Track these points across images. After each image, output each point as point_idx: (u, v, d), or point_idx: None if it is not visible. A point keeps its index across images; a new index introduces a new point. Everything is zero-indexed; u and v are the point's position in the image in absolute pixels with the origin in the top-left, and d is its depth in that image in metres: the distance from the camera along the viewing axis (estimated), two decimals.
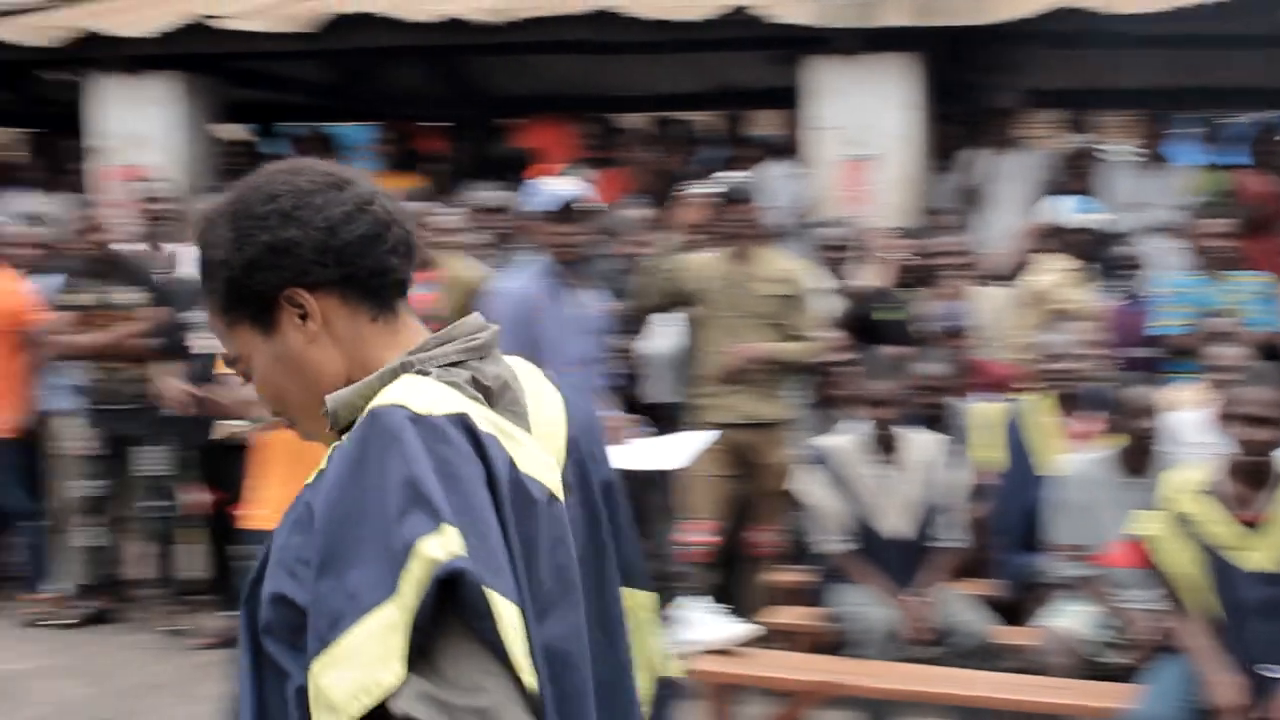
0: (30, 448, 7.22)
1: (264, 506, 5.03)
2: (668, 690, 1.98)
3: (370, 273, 1.76)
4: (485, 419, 1.64)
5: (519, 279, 5.42)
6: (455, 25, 8.25)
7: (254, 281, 1.74)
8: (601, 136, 10.18)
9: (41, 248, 7.83)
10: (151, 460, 6.94)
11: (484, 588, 1.48)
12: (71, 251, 7.40)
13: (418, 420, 1.57)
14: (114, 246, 7.11)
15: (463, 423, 1.59)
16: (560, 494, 1.72)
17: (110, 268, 7.00)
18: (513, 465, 1.63)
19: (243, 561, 6.74)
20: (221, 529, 6.86)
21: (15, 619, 7.10)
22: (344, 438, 1.63)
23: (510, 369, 1.81)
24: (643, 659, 1.92)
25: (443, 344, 1.75)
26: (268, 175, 1.79)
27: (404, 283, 1.81)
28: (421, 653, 1.46)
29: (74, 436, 7.12)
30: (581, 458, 1.85)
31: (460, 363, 1.73)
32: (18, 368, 7.15)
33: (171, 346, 6.80)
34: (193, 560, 7.28)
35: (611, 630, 1.83)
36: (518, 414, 1.75)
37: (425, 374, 1.68)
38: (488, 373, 1.74)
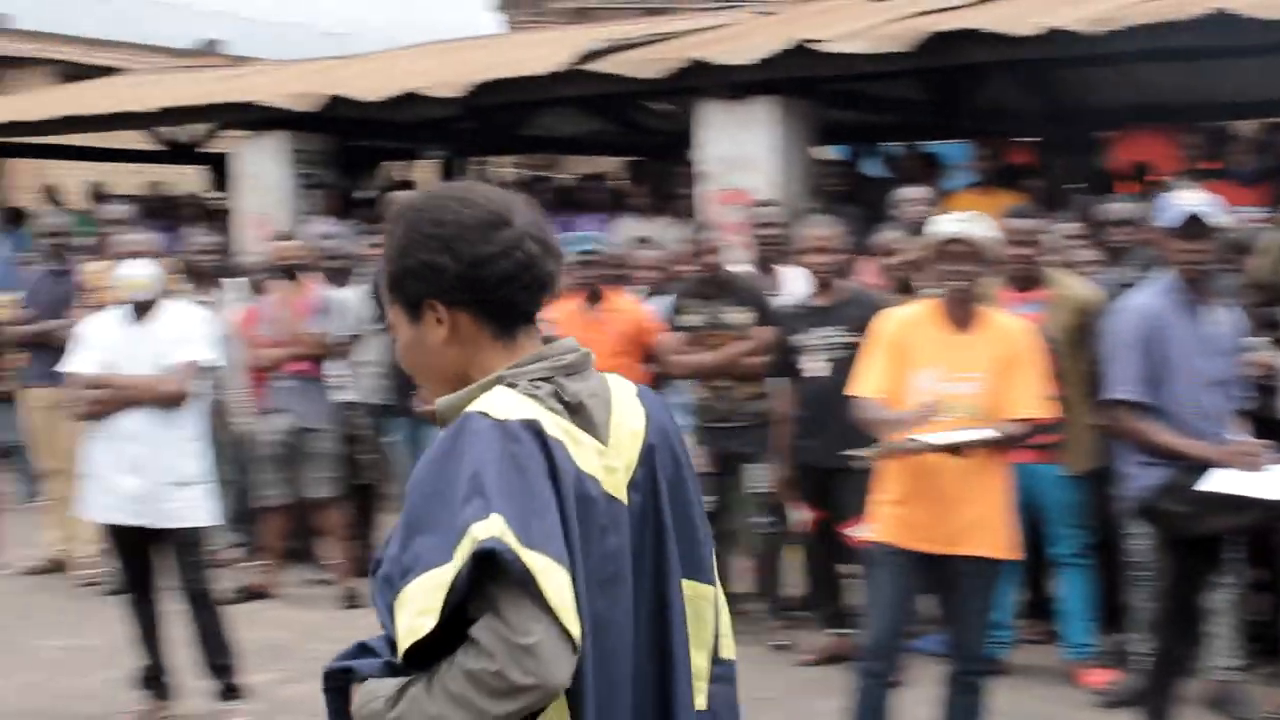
0: None
1: (881, 524, 5.03)
2: (725, 670, 2.30)
3: (500, 305, 2.14)
4: (556, 425, 2.05)
5: (1145, 296, 5.17)
6: (1057, 37, 8.03)
7: (406, 285, 2.17)
8: (1209, 146, 9.65)
9: (655, 269, 8.19)
10: (759, 477, 7.09)
11: (521, 556, 1.88)
12: (683, 273, 7.68)
13: (496, 425, 1.99)
14: (725, 268, 7.30)
15: (533, 427, 2.01)
16: (619, 494, 2.11)
17: (720, 289, 7.20)
18: (575, 465, 2.03)
19: (850, 580, 6.80)
20: (825, 547, 6.95)
21: None
22: (443, 430, 2.06)
23: (600, 385, 2.18)
24: (700, 640, 2.24)
25: (535, 362, 2.12)
26: (444, 198, 2.18)
27: (530, 314, 2.18)
28: (492, 605, 1.90)
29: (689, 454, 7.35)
30: (654, 463, 2.19)
31: (549, 378, 2.10)
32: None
33: (781, 367, 6.93)
34: (793, 577, 7.38)
35: (667, 610, 2.16)
36: (594, 424, 2.12)
37: (514, 386, 2.08)
38: (569, 389, 2.11)
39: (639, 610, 2.13)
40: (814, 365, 6.71)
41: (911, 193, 8.14)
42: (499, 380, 2.10)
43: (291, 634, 7.44)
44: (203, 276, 8.79)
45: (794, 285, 7.50)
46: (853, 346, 5.86)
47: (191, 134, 16.43)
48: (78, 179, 17.15)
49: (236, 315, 8.44)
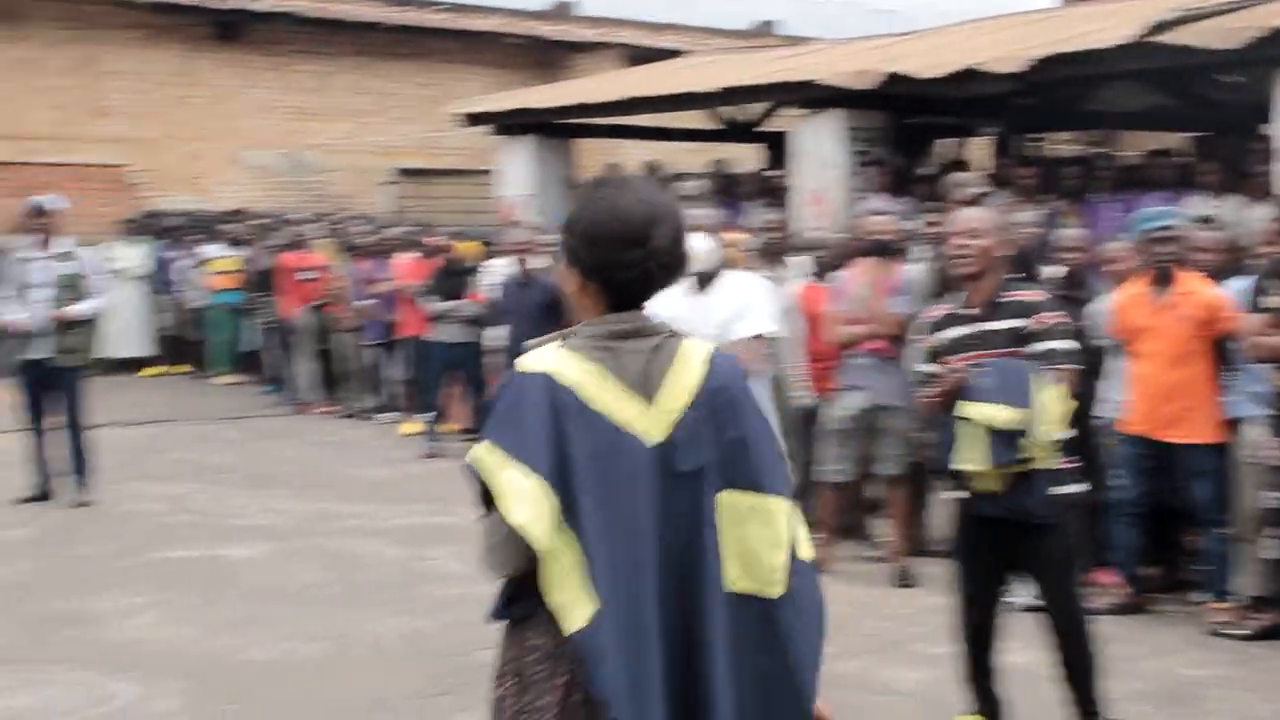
0: (1220, 453, 7.12)
1: None
2: (800, 566, 2.81)
3: (618, 292, 2.81)
4: (573, 371, 2.74)
5: None
6: None
7: (567, 253, 2.86)
8: None
9: (1225, 251, 7.73)
10: None
11: (475, 459, 2.71)
12: (1265, 254, 7.21)
13: (519, 373, 2.77)
14: None
15: (542, 375, 2.73)
16: (635, 425, 2.73)
17: None
18: (581, 402, 2.70)
19: None
20: None
21: (1200, 625, 7.07)
22: None
23: (659, 349, 2.79)
24: (740, 549, 2.77)
25: (589, 328, 2.81)
26: (606, 207, 2.81)
27: (640, 304, 2.83)
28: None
29: (1262, 445, 6.93)
30: (708, 404, 2.77)
31: (599, 338, 2.77)
32: (1208, 373, 7.10)
33: None
34: None
35: (700, 509, 2.74)
36: (632, 375, 2.76)
37: (569, 338, 2.81)
38: (610, 348, 2.77)
39: (673, 508, 2.73)
40: None
41: None
42: (564, 336, 2.84)
43: (845, 609, 7.50)
44: (768, 253, 8.96)
45: None
46: None
47: (749, 113, 16.84)
48: (638, 159, 17.92)
49: (800, 291, 8.54)
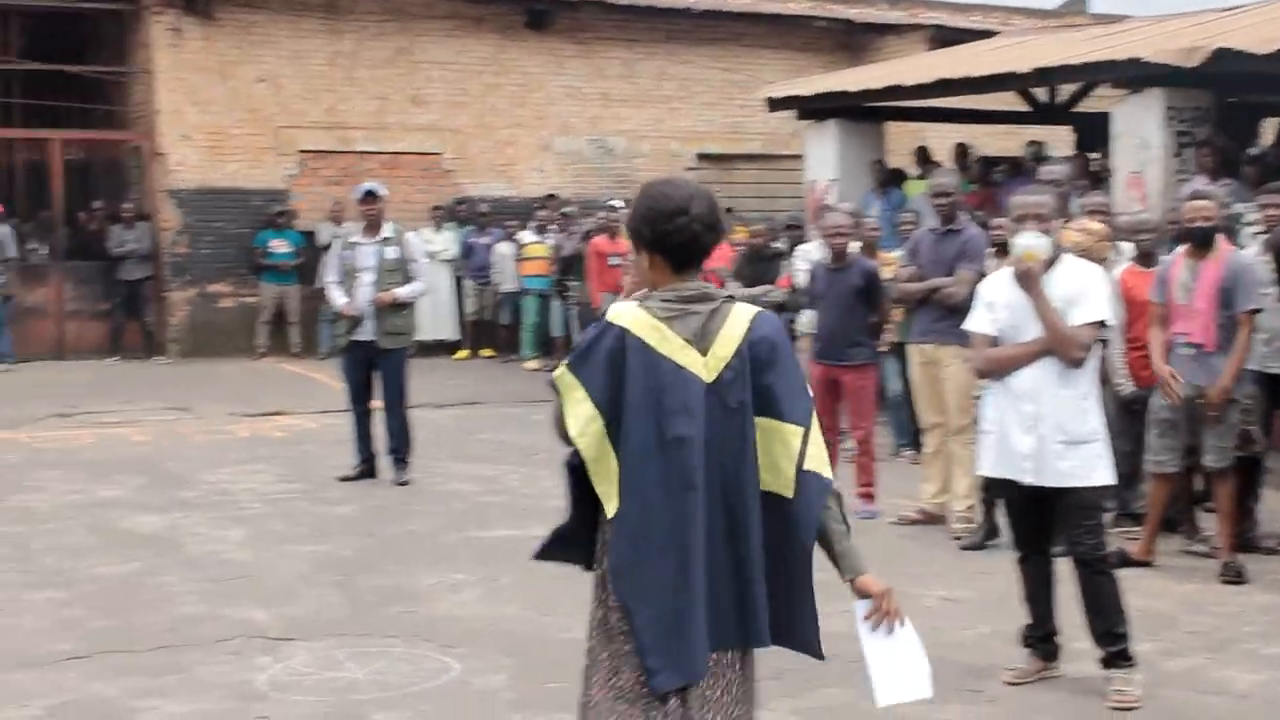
0: None
1: None
2: (807, 476, 3.62)
3: (674, 256, 3.66)
4: (643, 325, 3.59)
5: None
6: None
7: (632, 235, 3.73)
8: None
9: None
10: None
11: (557, 379, 3.61)
12: None
13: (604, 321, 3.62)
14: None
15: (618, 324, 3.58)
16: (693, 367, 3.58)
17: None
18: (647, 348, 3.56)
19: None
20: None
21: None
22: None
23: (717, 311, 3.63)
24: (768, 461, 3.62)
25: (662, 293, 3.66)
26: (659, 191, 3.72)
27: (693, 263, 3.68)
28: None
29: None
30: (747, 355, 3.60)
31: (669, 301, 3.63)
32: None
33: None
34: None
35: (743, 431, 3.61)
36: (691, 330, 3.60)
37: (645, 300, 3.65)
38: (675, 310, 3.61)
39: (723, 436, 3.60)
40: None
41: None
42: (643, 297, 3.69)
43: (1171, 605, 7.22)
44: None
45: None
46: None
47: (1061, 94, 16.36)
48: (947, 141, 17.58)
49: (1121, 276, 8.26)
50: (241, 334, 19.12)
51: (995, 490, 7.18)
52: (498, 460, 11.62)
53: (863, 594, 3.74)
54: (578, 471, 3.67)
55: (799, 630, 3.73)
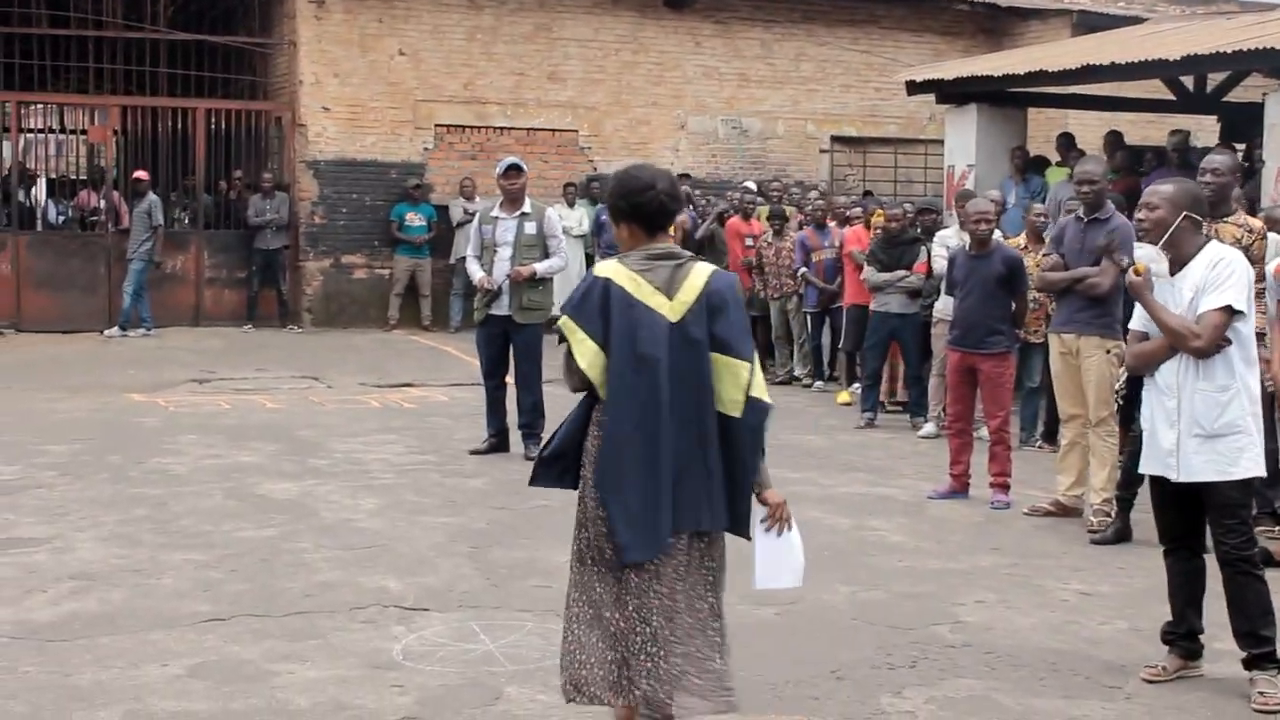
0: None
1: None
2: (752, 400, 4.58)
3: (646, 223, 4.65)
4: (625, 277, 4.56)
5: None
6: None
7: (612, 209, 4.74)
8: None
9: None
10: None
11: (562, 325, 4.62)
12: None
13: (592, 275, 4.66)
14: None
15: (603, 276, 4.57)
16: (667, 311, 4.54)
17: None
18: (625, 293, 4.53)
19: None
20: None
21: None
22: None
23: (681, 267, 4.61)
24: (727, 383, 4.56)
25: (637, 252, 4.64)
26: (630, 173, 4.76)
27: (659, 228, 4.67)
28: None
29: None
30: (704, 303, 4.54)
31: (641, 258, 4.61)
32: None
33: None
34: None
35: (702, 366, 4.55)
36: (666, 280, 4.57)
37: (623, 258, 4.64)
38: (648, 265, 4.58)
39: (682, 372, 4.55)
40: None
41: None
42: (620, 257, 4.66)
43: None
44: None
45: None
46: None
47: (1209, 83, 15.99)
48: (1088, 129, 17.27)
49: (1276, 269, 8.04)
50: (374, 305, 19.34)
51: (1134, 489, 7.04)
52: None
53: (764, 503, 4.73)
54: (585, 398, 4.70)
55: (737, 521, 4.72)
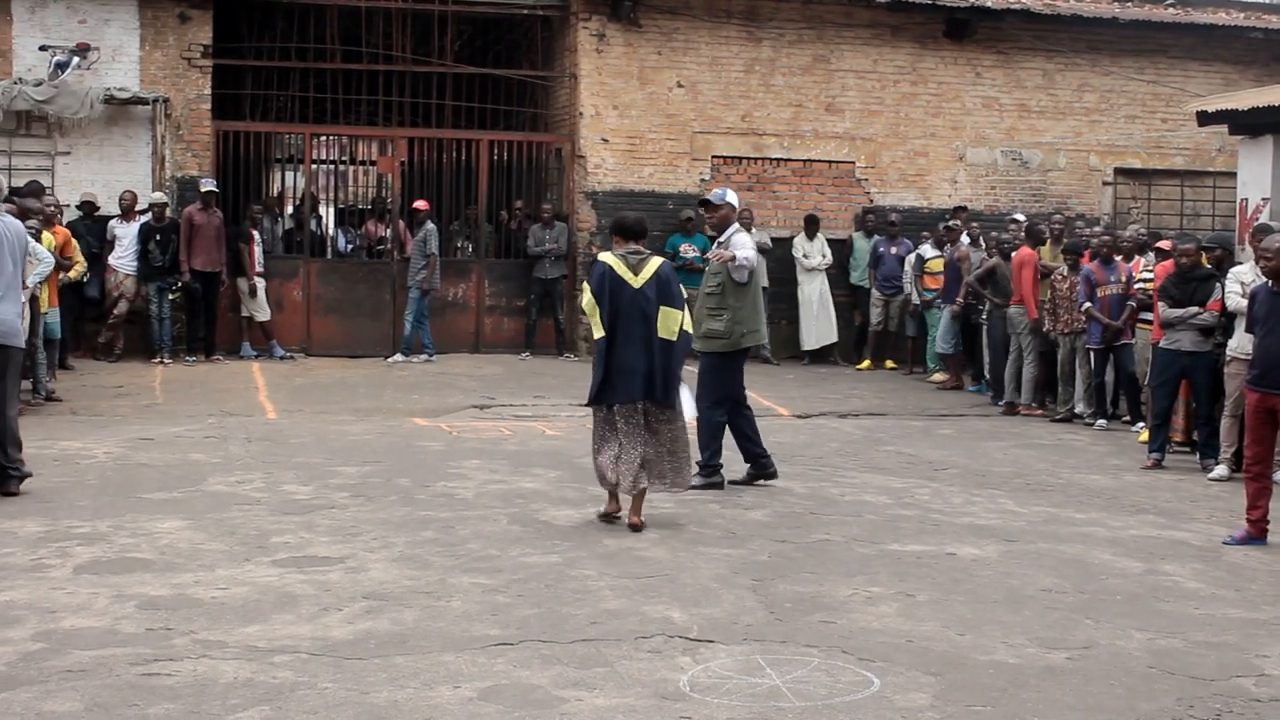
0: None
1: None
2: (681, 333, 9.27)
3: (625, 233, 9.40)
4: (616, 263, 9.21)
5: None
6: None
7: (610, 230, 10.00)
8: None
9: None
10: None
11: (584, 295, 9.60)
12: None
13: (597, 261, 10.06)
14: None
15: (603, 263, 9.35)
16: (636, 284, 9.15)
17: None
18: (615, 274, 9.18)
19: None
20: None
21: None
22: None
23: (647, 260, 9.25)
24: (665, 325, 9.19)
25: (621, 249, 9.30)
26: (622, 216, 9.82)
27: (636, 237, 9.34)
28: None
29: None
30: (657, 282, 9.20)
31: (624, 254, 9.29)
32: None
33: None
34: None
35: (650, 317, 9.16)
36: (635, 265, 9.21)
37: (612, 251, 9.44)
38: (627, 257, 9.26)
39: (644, 315, 9.12)
40: None
41: None
42: (611, 251, 9.37)
43: None
44: None
45: None
46: None
47: None
48: None
49: None
50: None
51: None
52: (906, 473, 11.48)
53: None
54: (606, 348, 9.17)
55: (671, 399, 9.18)
